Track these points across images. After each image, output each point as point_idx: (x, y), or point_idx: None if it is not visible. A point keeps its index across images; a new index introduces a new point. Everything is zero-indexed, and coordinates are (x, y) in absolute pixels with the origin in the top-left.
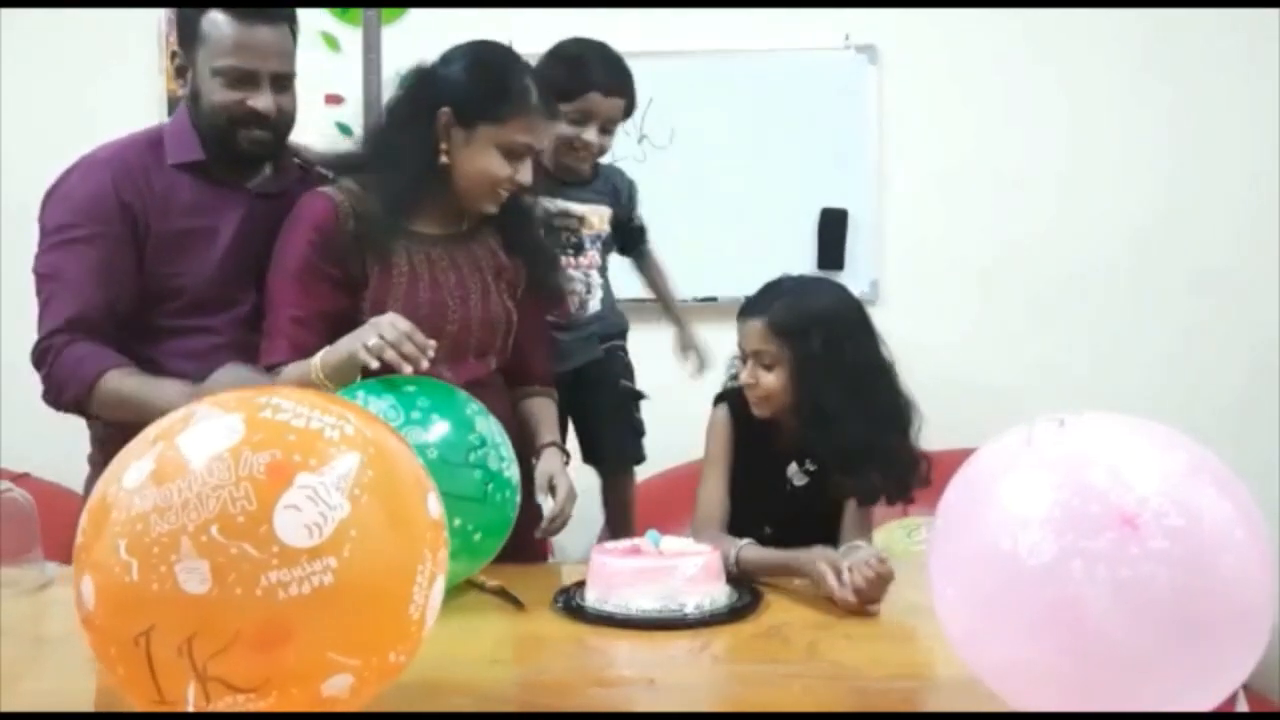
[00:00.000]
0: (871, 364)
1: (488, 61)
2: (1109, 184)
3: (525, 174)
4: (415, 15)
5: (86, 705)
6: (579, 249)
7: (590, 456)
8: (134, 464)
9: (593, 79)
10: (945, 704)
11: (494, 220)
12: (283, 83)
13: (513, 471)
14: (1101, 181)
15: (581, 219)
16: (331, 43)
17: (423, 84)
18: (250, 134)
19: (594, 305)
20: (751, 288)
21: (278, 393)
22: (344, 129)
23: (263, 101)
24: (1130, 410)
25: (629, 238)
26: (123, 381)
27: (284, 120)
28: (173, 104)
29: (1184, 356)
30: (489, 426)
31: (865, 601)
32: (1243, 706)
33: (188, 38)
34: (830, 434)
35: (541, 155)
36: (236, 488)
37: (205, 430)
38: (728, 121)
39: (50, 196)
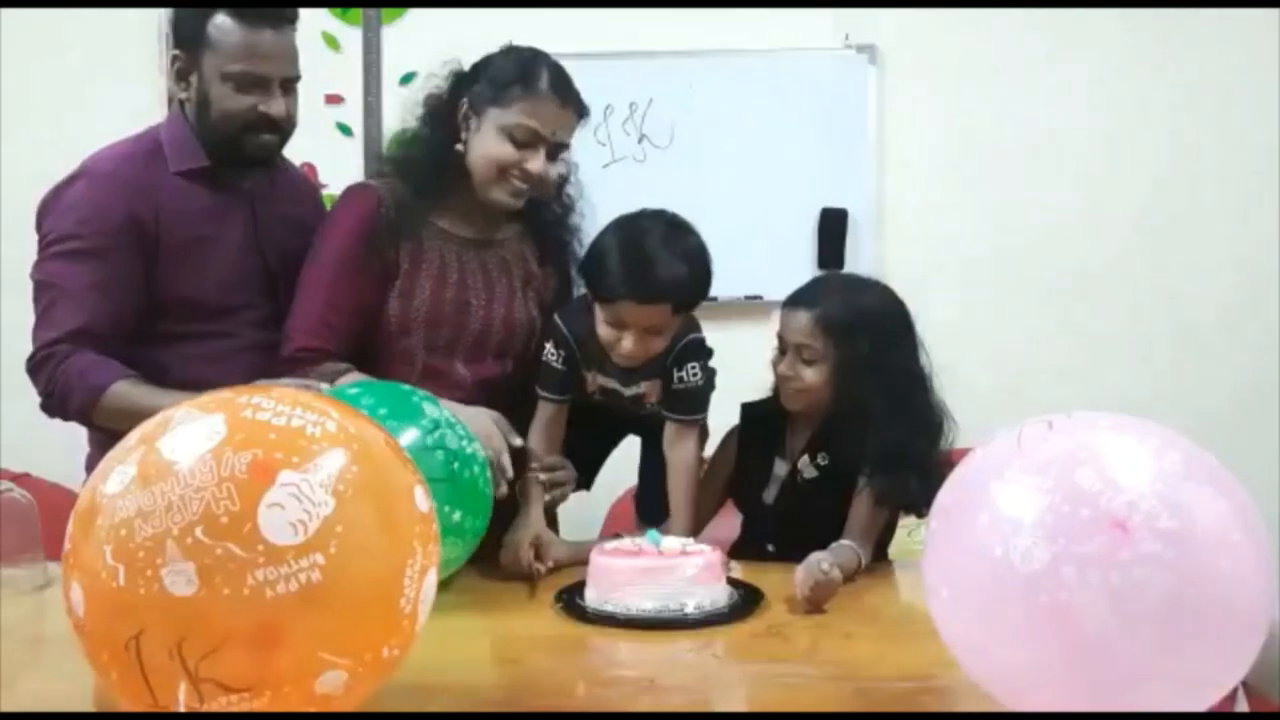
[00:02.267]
0: (913, 370)
1: (508, 53)
2: (1109, 183)
3: (535, 163)
4: (415, 15)
5: (86, 705)
6: (637, 412)
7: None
8: (117, 469)
9: (619, 284)
10: (945, 704)
11: (531, 230)
12: (290, 86)
13: (475, 448)
14: (1102, 180)
15: (639, 396)
16: (331, 43)
17: (454, 81)
18: (259, 139)
19: None
20: (751, 287)
21: (258, 392)
22: (344, 129)
23: (276, 107)
24: (1132, 410)
25: (667, 400)
26: (132, 391)
27: (290, 123)
28: (172, 104)
29: (1185, 355)
30: (439, 411)
31: (811, 606)
32: (1243, 706)
33: (192, 41)
34: (868, 436)
35: (564, 150)
36: (219, 488)
37: (186, 432)
38: (727, 121)
39: (52, 205)
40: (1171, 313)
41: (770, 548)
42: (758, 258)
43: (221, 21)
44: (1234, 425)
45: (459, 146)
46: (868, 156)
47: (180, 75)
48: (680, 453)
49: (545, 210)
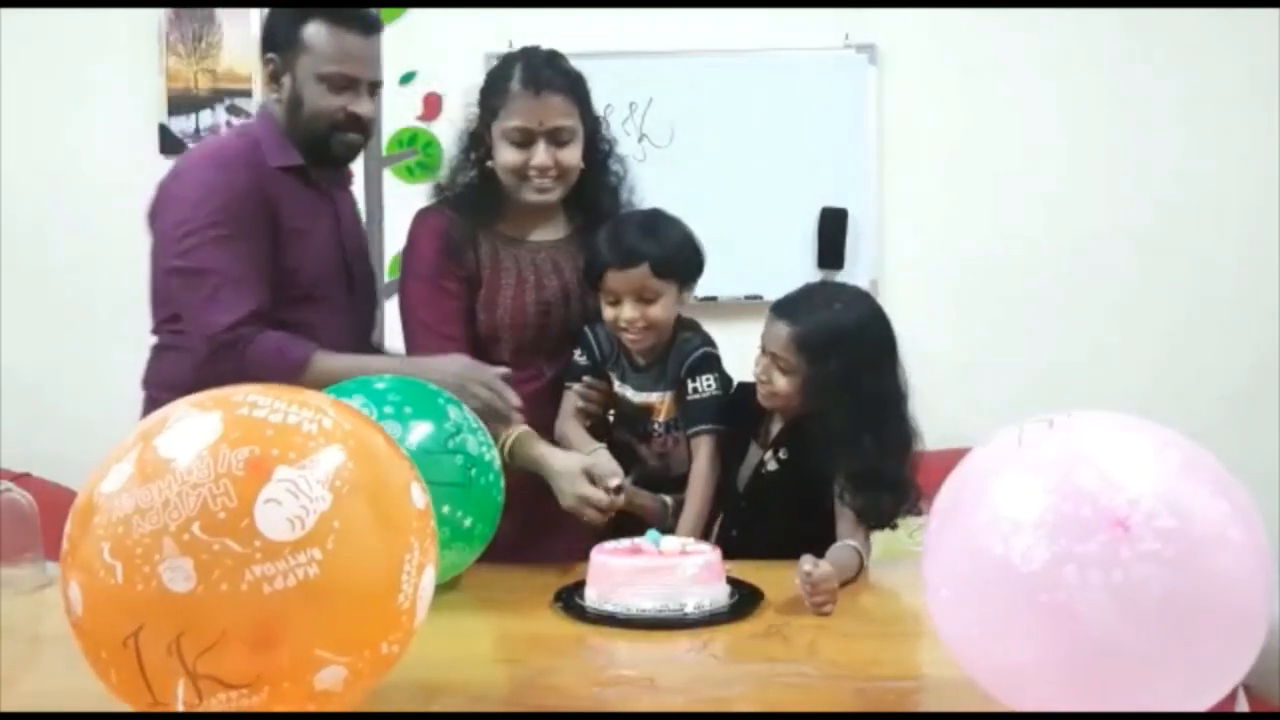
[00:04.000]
0: (884, 394)
1: (493, 68)
2: (1108, 182)
3: (537, 157)
4: (415, 15)
5: (86, 705)
6: (647, 437)
7: None
8: (115, 467)
9: (603, 256)
10: (944, 704)
11: (595, 217)
12: (375, 89)
13: (493, 455)
14: (1101, 180)
15: (646, 407)
16: None
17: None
18: (345, 138)
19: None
20: (751, 287)
21: (253, 390)
22: None
23: (364, 107)
24: (1130, 409)
25: (683, 414)
26: (333, 360)
27: (373, 124)
28: (172, 103)
29: (1184, 355)
30: (463, 414)
31: (816, 609)
32: (1243, 706)
33: (286, 44)
34: (839, 455)
35: (566, 134)
36: (216, 485)
37: (183, 430)
38: (728, 121)
39: (181, 194)
40: (1171, 311)
41: (734, 533)
42: (758, 258)
43: (318, 26)
44: (1233, 425)
45: (489, 164)
46: (868, 156)
47: (273, 77)
48: (697, 463)
49: (599, 195)
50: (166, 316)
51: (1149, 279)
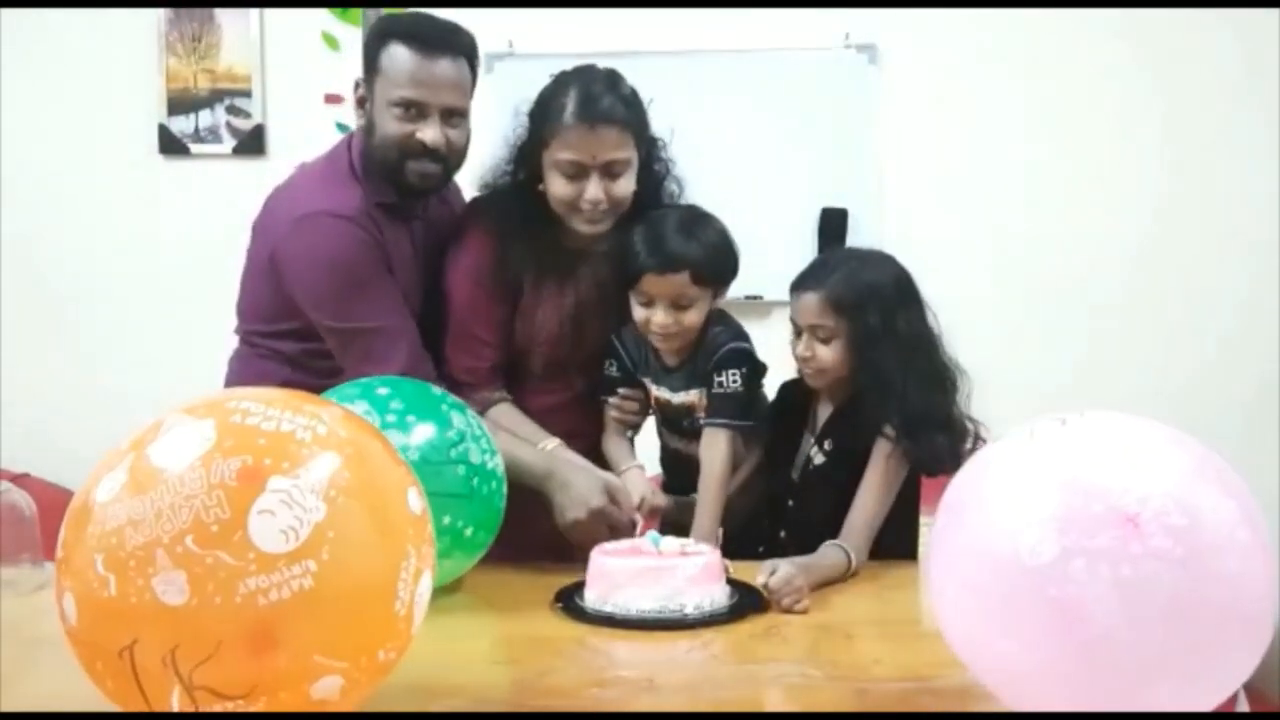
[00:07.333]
0: (920, 334)
1: (546, 87)
2: (1108, 183)
3: (590, 191)
4: None
5: (85, 706)
6: (695, 434)
7: None
8: (108, 475)
9: (641, 261)
10: (945, 704)
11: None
12: (454, 117)
13: (496, 462)
14: (1101, 181)
15: (688, 406)
16: (331, 42)
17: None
18: (420, 166)
19: None
20: (751, 287)
21: (247, 396)
22: (344, 129)
23: (430, 133)
24: (1131, 410)
25: (707, 404)
26: (506, 414)
27: (453, 154)
28: (171, 103)
29: (1186, 357)
30: (466, 421)
31: (784, 610)
32: (1243, 706)
33: (369, 69)
34: (891, 403)
35: (622, 166)
36: (209, 496)
37: (176, 439)
38: (728, 121)
39: (309, 254)
40: (1171, 313)
41: (782, 535)
42: (758, 258)
43: (395, 50)
44: (1237, 427)
45: (541, 187)
46: (868, 156)
47: (360, 102)
48: (710, 456)
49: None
50: (256, 323)
51: (1150, 280)
